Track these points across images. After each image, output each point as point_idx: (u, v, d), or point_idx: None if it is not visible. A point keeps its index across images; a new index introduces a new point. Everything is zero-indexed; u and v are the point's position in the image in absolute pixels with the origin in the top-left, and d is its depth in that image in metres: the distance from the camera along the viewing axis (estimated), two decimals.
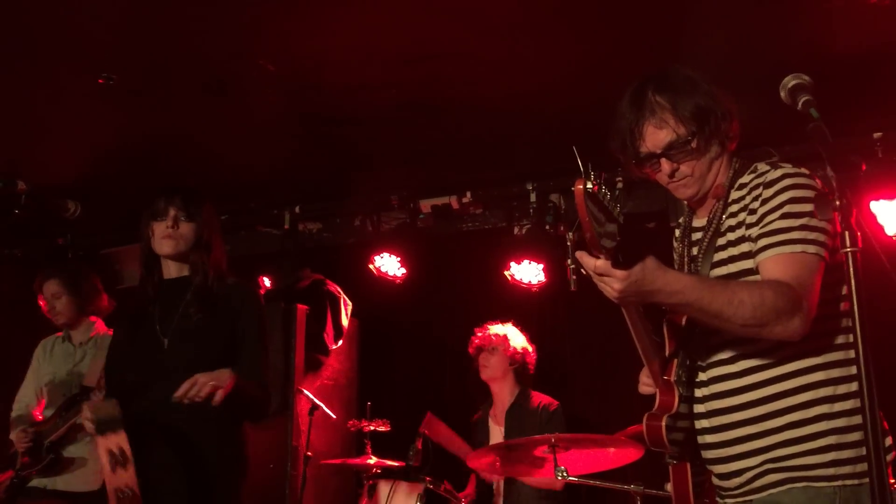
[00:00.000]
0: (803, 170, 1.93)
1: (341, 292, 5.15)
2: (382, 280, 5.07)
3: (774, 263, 1.84)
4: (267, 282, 5.43)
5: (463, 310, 5.30)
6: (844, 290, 1.87)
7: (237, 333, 2.80)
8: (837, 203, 1.53)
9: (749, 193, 1.96)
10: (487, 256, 4.94)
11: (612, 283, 1.81)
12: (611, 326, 5.06)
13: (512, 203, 4.95)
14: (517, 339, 4.51)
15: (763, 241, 1.88)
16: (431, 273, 5.29)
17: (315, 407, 4.45)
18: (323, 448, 4.65)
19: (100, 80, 3.76)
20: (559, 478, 3.45)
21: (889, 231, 3.94)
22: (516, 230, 4.87)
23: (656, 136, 1.98)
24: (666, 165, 2.01)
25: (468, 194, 4.96)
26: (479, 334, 4.53)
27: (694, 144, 1.96)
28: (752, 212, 1.93)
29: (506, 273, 4.73)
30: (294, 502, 4.37)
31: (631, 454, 3.53)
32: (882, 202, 3.96)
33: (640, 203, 4.64)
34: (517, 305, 4.90)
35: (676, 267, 2.20)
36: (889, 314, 3.78)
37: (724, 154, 2.02)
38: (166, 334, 2.78)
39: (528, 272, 4.72)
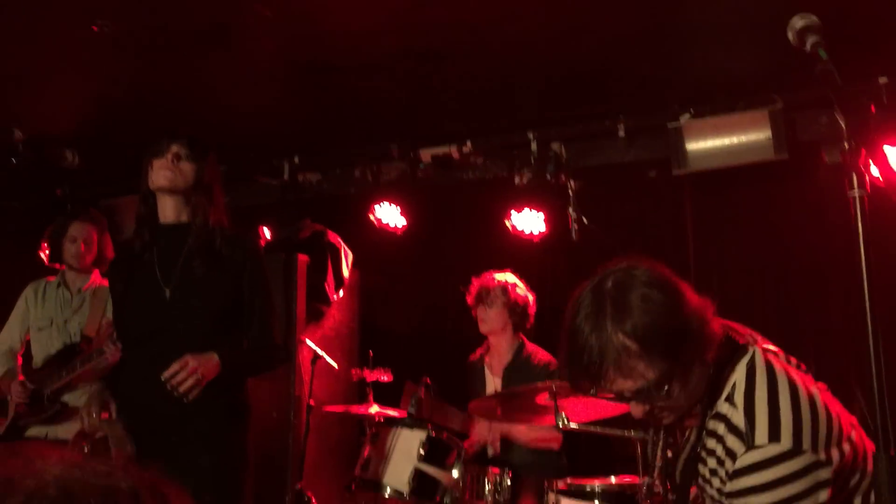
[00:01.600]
0: (774, 446, 1.59)
1: (342, 243, 5.14)
2: (383, 230, 5.06)
3: None
4: (267, 232, 5.42)
5: (464, 259, 5.29)
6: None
7: (243, 291, 2.79)
8: (846, 146, 1.51)
9: (720, 451, 1.68)
10: (488, 206, 4.93)
11: None
12: None
13: (513, 152, 4.91)
14: (517, 288, 4.42)
15: None
16: (432, 223, 5.28)
17: (317, 356, 4.47)
18: (325, 397, 4.69)
19: (94, 28, 3.70)
20: (560, 425, 3.47)
21: None
22: (517, 180, 4.84)
23: (624, 384, 1.68)
24: (637, 408, 1.74)
25: (469, 143, 4.92)
26: (477, 284, 4.43)
27: (668, 388, 1.67)
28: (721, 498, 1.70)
29: (507, 223, 4.72)
30: (297, 451, 4.42)
31: None
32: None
33: (641, 151, 4.61)
34: (518, 255, 4.89)
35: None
36: None
37: (704, 372, 1.72)
38: (168, 284, 2.76)
39: (529, 222, 4.70)
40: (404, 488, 3.67)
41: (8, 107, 4.47)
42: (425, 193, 5.06)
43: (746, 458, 1.62)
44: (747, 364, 1.73)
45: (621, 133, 4.53)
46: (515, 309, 4.32)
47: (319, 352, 4.48)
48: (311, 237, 5.12)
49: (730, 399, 1.70)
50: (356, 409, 4.24)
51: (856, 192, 1.51)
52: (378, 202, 5.02)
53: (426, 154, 4.98)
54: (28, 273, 4.64)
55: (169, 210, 2.83)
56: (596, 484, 3.48)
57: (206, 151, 2.85)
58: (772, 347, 1.84)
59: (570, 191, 3.54)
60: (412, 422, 3.85)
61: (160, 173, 2.76)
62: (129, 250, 2.91)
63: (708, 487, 1.77)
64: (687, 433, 1.85)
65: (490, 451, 4.43)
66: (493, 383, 4.40)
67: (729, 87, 4.22)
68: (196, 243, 2.78)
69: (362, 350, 4.99)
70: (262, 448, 4.49)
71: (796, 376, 1.72)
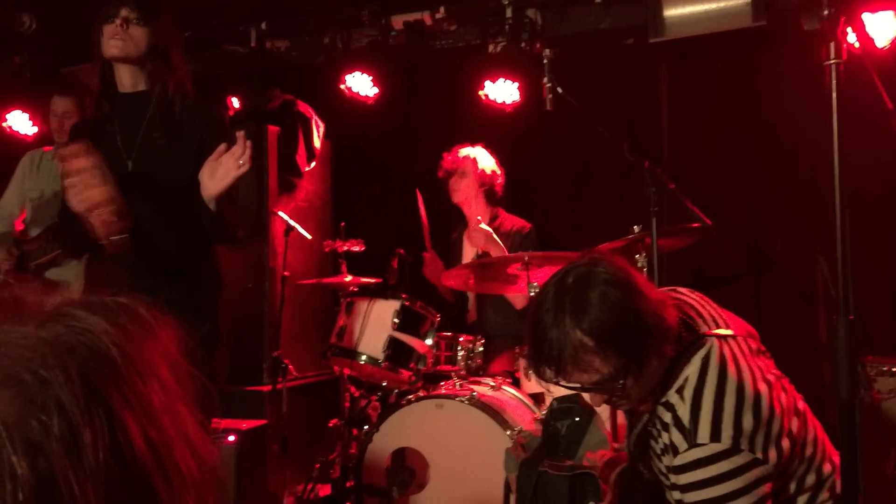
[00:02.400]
0: (714, 445, 1.70)
1: (313, 113, 5.05)
2: (354, 100, 4.96)
3: None
4: (236, 102, 5.31)
5: (436, 129, 5.25)
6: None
7: (203, 157, 2.73)
8: (825, 13, 1.48)
9: (665, 438, 1.80)
10: (461, 75, 4.83)
11: None
12: (584, 147, 5.08)
13: (487, 19, 4.77)
14: (486, 160, 4.51)
15: None
16: (404, 92, 5.19)
17: (290, 228, 4.47)
18: (299, 268, 4.72)
19: None
20: (532, 294, 3.55)
21: (879, 43, 3.81)
22: (491, 48, 4.73)
23: (580, 376, 1.77)
24: (596, 398, 1.86)
25: (441, 9, 4.77)
26: (448, 158, 4.51)
27: (623, 382, 1.76)
28: (667, 481, 1.83)
29: (480, 92, 4.65)
30: (273, 320, 4.48)
31: None
32: (877, 14, 3.79)
33: (617, 18, 4.50)
34: (491, 125, 4.85)
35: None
36: (872, 126, 3.79)
37: (661, 365, 1.80)
38: (130, 155, 2.70)
39: (502, 91, 4.63)
40: (379, 355, 3.76)
41: None
42: (397, 62, 4.95)
43: (688, 455, 1.73)
44: (702, 359, 1.81)
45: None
46: (485, 180, 4.43)
47: (292, 223, 4.48)
48: (280, 107, 5.02)
49: (680, 392, 1.79)
50: (329, 280, 4.29)
51: (832, 61, 1.50)
52: (349, 71, 4.90)
53: (398, 20, 4.82)
54: None
55: (126, 79, 2.72)
56: None
57: (159, 12, 2.69)
58: (730, 332, 1.90)
59: (545, 59, 3.45)
60: (386, 291, 3.91)
61: (110, 42, 2.62)
62: (92, 119, 2.84)
63: (657, 462, 1.90)
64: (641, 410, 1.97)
65: (466, 320, 4.55)
66: (470, 253, 4.47)
67: None
68: (155, 112, 2.69)
69: (335, 221, 4.99)
70: (238, 318, 4.54)
71: (747, 372, 1.80)
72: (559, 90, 3.39)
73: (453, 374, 3.86)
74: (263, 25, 5.10)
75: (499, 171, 4.54)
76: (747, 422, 1.72)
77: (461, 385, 3.68)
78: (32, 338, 0.64)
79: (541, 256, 3.65)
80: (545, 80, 3.43)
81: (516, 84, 4.59)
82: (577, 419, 2.94)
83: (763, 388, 1.78)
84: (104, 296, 0.72)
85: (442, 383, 3.78)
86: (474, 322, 4.55)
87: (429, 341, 3.87)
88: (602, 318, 1.71)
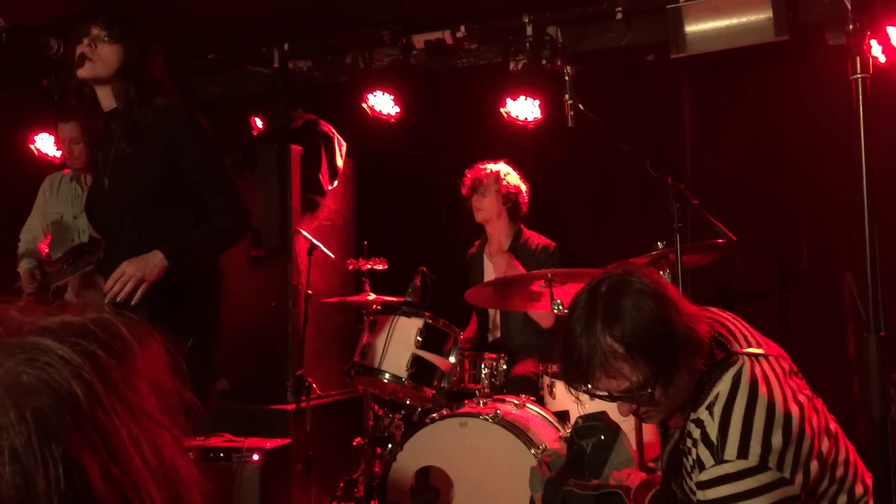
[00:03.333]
0: (741, 462, 1.69)
1: (335, 132, 5.08)
2: (376, 119, 4.99)
3: None
4: (259, 122, 5.35)
5: (458, 148, 5.26)
6: None
7: (181, 163, 2.61)
8: (850, 27, 1.47)
9: (694, 455, 1.79)
10: (483, 93, 4.85)
11: None
12: (606, 163, 5.07)
13: (507, 37, 4.79)
14: (509, 176, 4.47)
15: None
16: (426, 111, 5.21)
17: (313, 247, 4.48)
18: (323, 287, 4.73)
19: None
20: (555, 311, 3.53)
21: None
22: (512, 66, 4.74)
23: (609, 383, 1.76)
24: (623, 407, 1.83)
25: (462, 28, 4.79)
26: (470, 175, 4.48)
27: (651, 391, 1.74)
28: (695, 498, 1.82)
29: (501, 110, 4.66)
30: (297, 339, 4.49)
31: None
32: None
33: (638, 34, 4.50)
34: (512, 143, 4.85)
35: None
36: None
37: (691, 378, 1.79)
38: (107, 174, 2.66)
39: (524, 109, 4.64)
40: (402, 374, 3.75)
41: None
42: (418, 81, 4.98)
43: (714, 471, 1.72)
44: (733, 377, 1.80)
45: (619, 16, 4.42)
46: (509, 197, 4.41)
47: (316, 242, 4.50)
48: (303, 127, 5.05)
49: (710, 408, 1.79)
50: (352, 299, 4.29)
51: (858, 75, 1.48)
52: (371, 91, 4.93)
53: (419, 40, 4.85)
54: (14, 164, 4.63)
55: (104, 99, 2.65)
56: None
57: (131, 28, 2.59)
58: (762, 352, 1.89)
59: (566, 76, 3.45)
60: (409, 310, 3.91)
61: (79, 63, 2.55)
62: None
63: (688, 480, 1.88)
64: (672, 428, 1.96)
65: (489, 337, 4.53)
66: (492, 271, 4.45)
67: None
68: (121, 125, 2.60)
69: (358, 239, 5.01)
70: (262, 336, 4.59)
71: (778, 392, 1.79)
72: (581, 107, 3.39)
73: (477, 392, 3.85)
74: (286, 46, 5.15)
75: (523, 187, 4.49)
76: (776, 441, 1.70)
77: (485, 403, 3.66)
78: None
79: (564, 273, 3.63)
80: (566, 96, 3.43)
81: (537, 101, 4.59)
82: (603, 437, 2.91)
83: (794, 408, 1.76)
84: (87, 314, 0.68)
85: (466, 401, 3.77)
86: (496, 339, 4.53)
87: (452, 359, 3.85)
88: (634, 326, 1.71)
